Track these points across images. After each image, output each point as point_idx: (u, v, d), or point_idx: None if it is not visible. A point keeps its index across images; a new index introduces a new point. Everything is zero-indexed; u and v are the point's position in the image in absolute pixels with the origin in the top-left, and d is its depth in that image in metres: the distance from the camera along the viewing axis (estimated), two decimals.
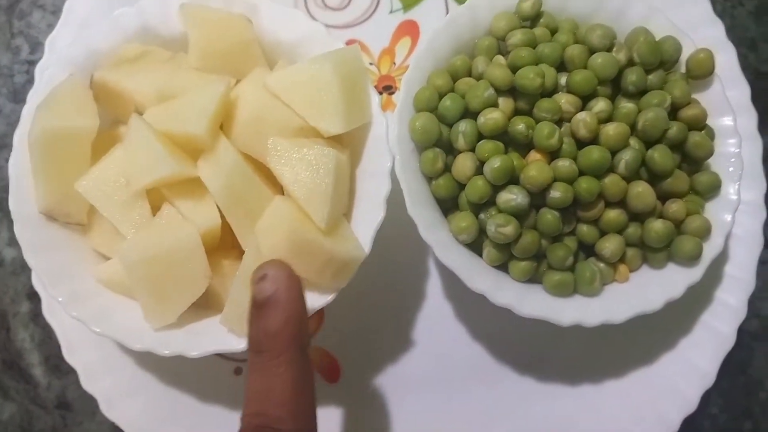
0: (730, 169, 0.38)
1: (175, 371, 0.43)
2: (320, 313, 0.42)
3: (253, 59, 0.39)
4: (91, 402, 0.42)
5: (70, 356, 0.42)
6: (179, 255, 0.34)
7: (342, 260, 0.35)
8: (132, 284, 0.35)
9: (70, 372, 0.43)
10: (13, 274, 0.47)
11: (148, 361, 0.42)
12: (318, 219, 0.34)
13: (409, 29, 0.48)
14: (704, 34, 0.44)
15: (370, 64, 0.48)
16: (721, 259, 0.42)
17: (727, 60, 0.44)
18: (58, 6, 0.51)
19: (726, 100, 0.39)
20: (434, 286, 0.45)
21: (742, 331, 0.43)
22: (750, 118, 0.44)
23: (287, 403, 0.29)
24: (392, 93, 0.47)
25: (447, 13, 0.48)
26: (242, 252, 0.36)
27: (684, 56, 0.39)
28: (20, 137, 0.37)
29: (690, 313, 0.43)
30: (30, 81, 0.50)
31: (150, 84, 0.37)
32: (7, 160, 0.48)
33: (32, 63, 0.50)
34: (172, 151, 0.35)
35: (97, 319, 0.35)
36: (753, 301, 0.43)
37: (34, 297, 0.46)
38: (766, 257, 0.45)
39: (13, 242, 0.47)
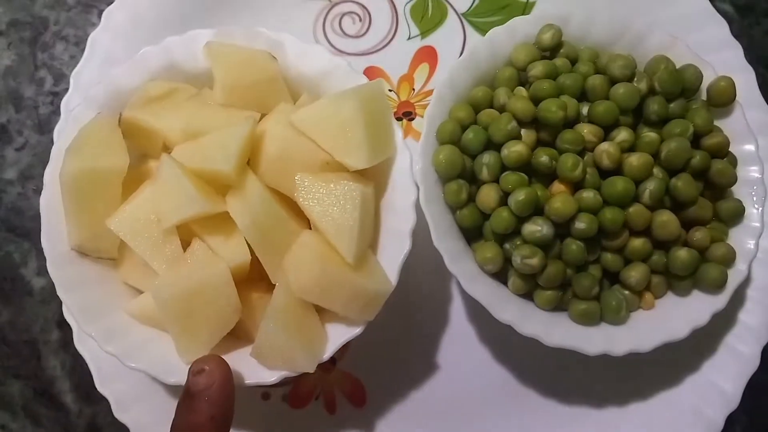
0: (753, 196, 0.38)
1: None
2: None
3: (278, 94, 0.39)
4: (121, 429, 0.42)
5: (102, 386, 0.42)
6: (211, 291, 0.35)
7: (370, 294, 0.35)
8: (165, 320, 0.35)
9: (100, 399, 0.44)
10: (42, 303, 0.48)
11: (178, 389, 0.43)
12: (346, 254, 0.35)
13: (428, 55, 0.49)
14: (723, 56, 0.44)
15: (390, 90, 0.48)
16: (743, 281, 0.42)
17: (745, 82, 0.45)
18: (81, 38, 0.52)
19: (747, 127, 0.39)
20: (458, 311, 0.45)
21: (767, 351, 0.43)
22: None
23: None
24: (412, 119, 0.48)
25: (464, 37, 0.49)
26: (270, 283, 0.36)
27: (705, 84, 0.39)
28: (51, 176, 0.38)
29: (713, 336, 0.43)
30: (54, 112, 0.50)
31: (178, 121, 0.37)
32: (33, 191, 0.50)
33: (56, 94, 0.51)
34: (201, 188, 0.35)
35: (130, 355, 0.36)
36: None
37: (63, 325, 0.47)
38: None
39: (41, 271, 0.48)
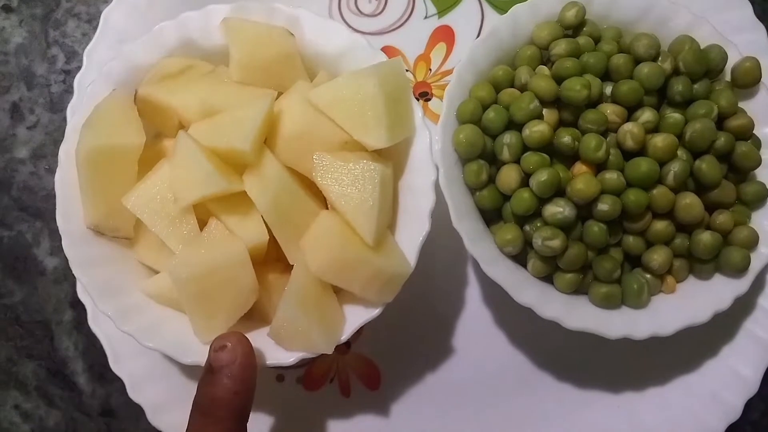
0: None
1: None
2: None
3: (295, 72, 0.39)
4: (135, 409, 0.42)
5: (116, 366, 0.42)
6: (228, 271, 0.34)
7: (388, 275, 0.35)
8: (182, 300, 0.35)
9: (114, 380, 0.44)
10: (55, 283, 0.48)
11: (193, 369, 0.43)
12: (365, 234, 0.34)
13: (445, 35, 0.48)
14: (746, 38, 0.43)
15: (406, 70, 0.48)
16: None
17: None
18: (93, 15, 0.51)
19: None
20: (474, 294, 0.45)
21: None
22: None
23: None
24: (428, 100, 0.47)
25: (482, 16, 0.48)
26: (288, 264, 0.36)
27: (729, 65, 0.39)
28: (66, 153, 0.37)
29: (732, 321, 0.43)
30: (67, 91, 0.50)
31: (193, 99, 0.37)
32: (45, 170, 0.49)
33: (68, 72, 0.50)
34: (219, 167, 0.35)
35: (147, 334, 0.36)
36: None
37: (77, 305, 0.46)
38: None
39: (54, 251, 0.48)
